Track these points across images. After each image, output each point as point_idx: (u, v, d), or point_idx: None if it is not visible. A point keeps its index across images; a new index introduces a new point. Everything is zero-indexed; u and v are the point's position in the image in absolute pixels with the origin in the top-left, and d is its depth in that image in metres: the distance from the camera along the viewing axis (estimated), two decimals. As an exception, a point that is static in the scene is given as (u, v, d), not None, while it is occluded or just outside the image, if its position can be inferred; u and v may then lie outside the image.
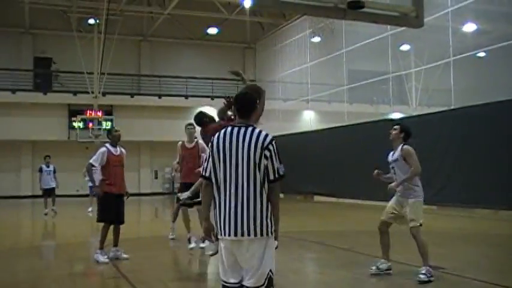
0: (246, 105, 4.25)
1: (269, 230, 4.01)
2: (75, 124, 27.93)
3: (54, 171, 18.37)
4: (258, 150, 4.02)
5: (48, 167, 18.36)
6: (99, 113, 27.89)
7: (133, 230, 14.22)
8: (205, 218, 4.27)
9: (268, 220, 4.02)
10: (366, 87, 23.82)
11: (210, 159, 4.13)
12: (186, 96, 30.85)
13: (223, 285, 4.10)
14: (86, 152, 27.72)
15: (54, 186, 18.32)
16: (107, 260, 8.60)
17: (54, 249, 11.23)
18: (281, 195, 26.74)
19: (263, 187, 4.03)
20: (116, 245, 9.09)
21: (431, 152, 15.81)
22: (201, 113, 8.16)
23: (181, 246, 10.59)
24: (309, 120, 26.83)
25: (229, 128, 4.15)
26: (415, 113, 24.21)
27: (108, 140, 9.50)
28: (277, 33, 28.59)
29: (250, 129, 4.11)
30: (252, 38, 33.53)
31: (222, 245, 4.07)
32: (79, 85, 28.23)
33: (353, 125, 21.91)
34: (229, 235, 3.98)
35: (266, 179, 4.04)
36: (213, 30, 32.04)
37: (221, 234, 4.04)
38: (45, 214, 17.82)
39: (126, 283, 7.22)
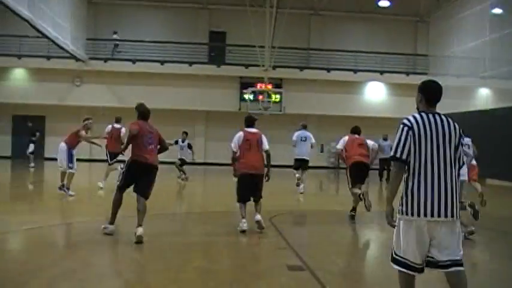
0: (439, 95, 4.42)
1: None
2: (246, 96, 28.78)
3: (189, 147, 20.12)
4: (457, 137, 4.30)
5: (183, 142, 20.06)
6: (269, 86, 28.44)
7: (297, 203, 14.37)
8: (391, 201, 4.36)
9: None
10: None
11: (408, 142, 4.26)
12: (355, 71, 30.40)
13: (400, 262, 4.31)
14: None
15: (183, 158, 19.92)
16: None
17: (222, 216, 11.58)
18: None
19: (457, 169, 4.25)
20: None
21: None
22: None
23: (356, 222, 10.48)
24: (485, 98, 25.13)
25: (424, 115, 4.31)
26: None
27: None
28: (454, 5, 26.91)
29: (443, 117, 4.33)
30: (425, 11, 31.99)
31: (410, 224, 4.18)
32: (250, 58, 28.96)
33: (536, 104, 20.16)
34: (432, 216, 4.11)
35: (459, 162, 4.28)
36: (384, 3, 31.06)
37: (418, 215, 4.13)
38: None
39: (294, 255, 7.22)
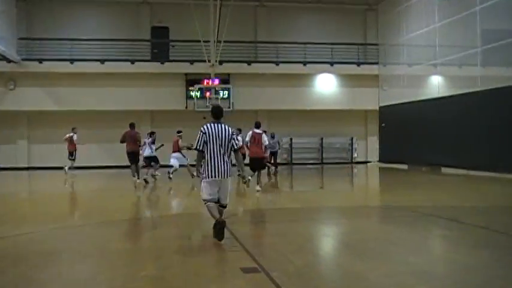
0: (220, 113, 8.38)
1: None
2: (192, 93, 28.70)
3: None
4: (229, 136, 8.28)
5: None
6: (216, 82, 28.34)
7: (251, 203, 14.34)
8: (198, 169, 8.45)
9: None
10: (503, 49, 22.23)
11: (202, 140, 8.19)
12: (304, 63, 30.68)
13: (207, 200, 8.30)
14: (203, 122, 28.48)
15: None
16: None
17: (173, 220, 11.46)
18: (405, 167, 26.20)
19: (230, 154, 8.38)
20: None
21: None
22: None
23: (313, 219, 10.48)
24: (436, 86, 25.66)
25: (212, 124, 8.21)
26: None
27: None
28: (402, -8, 27.37)
29: (223, 125, 8.32)
30: (373, -1, 32.53)
31: (209, 182, 8.22)
32: (195, 54, 28.77)
33: (487, 90, 20.70)
34: (218, 177, 8.18)
35: (231, 150, 8.36)
36: (331, -9, 31.44)
37: (212, 177, 8.17)
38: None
39: (248, 257, 7.18)
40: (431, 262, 7.14)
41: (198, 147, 8.22)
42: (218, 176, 8.15)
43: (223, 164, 8.20)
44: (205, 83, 28.33)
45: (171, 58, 30.21)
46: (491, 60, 22.58)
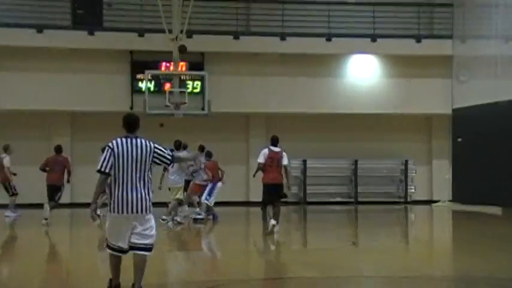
0: (135, 125, 9.23)
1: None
2: (142, 85, 28.44)
3: None
4: (149, 153, 9.11)
5: None
6: (182, 66, 28.01)
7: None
8: (95, 201, 9.57)
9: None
10: None
11: (110, 160, 8.87)
12: (329, 37, 30.24)
13: (110, 245, 9.02)
14: (159, 132, 27.67)
15: None
16: None
17: None
18: (498, 211, 25.67)
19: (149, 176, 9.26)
20: None
21: None
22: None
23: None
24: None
25: (124, 139, 9.01)
26: None
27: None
28: None
29: (140, 139, 9.15)
30: None
31: (115, 219, 8.92)
32: (147, 19, 28.74)
33: None
34: (129, 211, 8.83)
35: (150, 169, 9.25)
36: None
37: (120, 211, 8.81)
38: None
39: None
40: None
41: (102, 169, 8.83)
42: (128, 211, 8.81)
43: (138, 193, 8.85)
44: (163, 68, 28.42)
45: (105, 25, 30.04)
46: None
